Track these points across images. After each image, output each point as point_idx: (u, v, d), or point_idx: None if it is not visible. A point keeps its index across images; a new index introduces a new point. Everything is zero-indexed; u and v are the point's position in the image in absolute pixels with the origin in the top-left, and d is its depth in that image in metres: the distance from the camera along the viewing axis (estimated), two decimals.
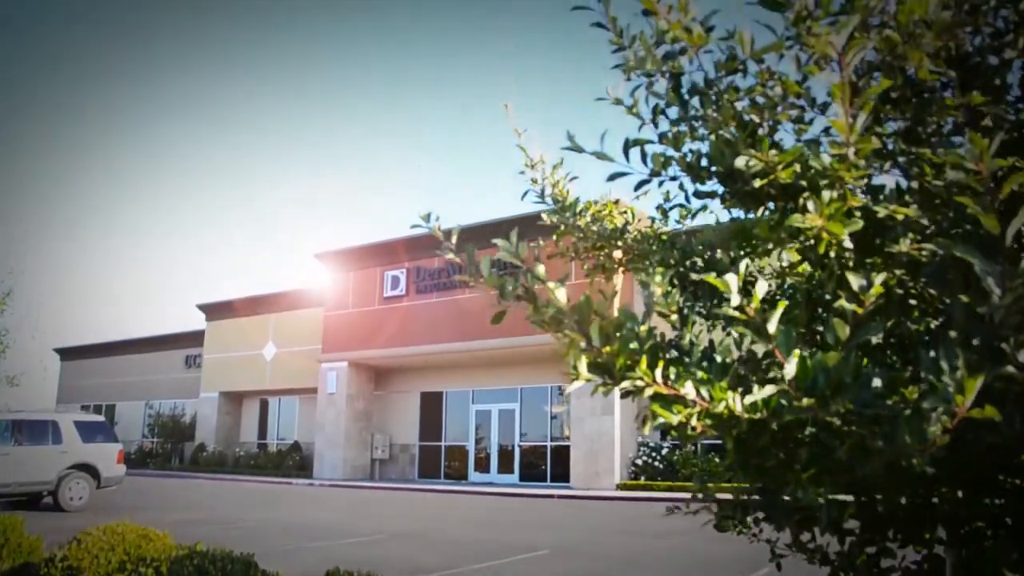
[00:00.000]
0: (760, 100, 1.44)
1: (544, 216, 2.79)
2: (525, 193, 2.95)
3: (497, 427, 23.52)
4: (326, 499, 17.42)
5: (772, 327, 1.16)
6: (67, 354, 40.47)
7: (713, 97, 1.43)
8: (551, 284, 1.59)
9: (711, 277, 1.19)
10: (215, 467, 28.20)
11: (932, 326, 1.64)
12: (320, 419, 25.07)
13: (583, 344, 1.61)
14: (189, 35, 65.47)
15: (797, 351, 1.15)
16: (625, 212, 2.70)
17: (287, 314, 28.55)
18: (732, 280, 1.13)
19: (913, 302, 1.69)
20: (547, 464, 22.13)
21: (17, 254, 38.25)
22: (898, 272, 1.61)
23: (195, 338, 32.85)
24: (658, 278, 1.50)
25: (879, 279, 1.14)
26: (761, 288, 1.15)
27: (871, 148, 1.22)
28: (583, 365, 1.61)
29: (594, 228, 2.61)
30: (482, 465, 23.65)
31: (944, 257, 1.46)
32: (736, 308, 1.15)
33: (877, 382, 1.28)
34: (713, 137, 1.50)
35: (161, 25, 63.34)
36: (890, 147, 1.63)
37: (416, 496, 18.81)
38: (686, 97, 1.47)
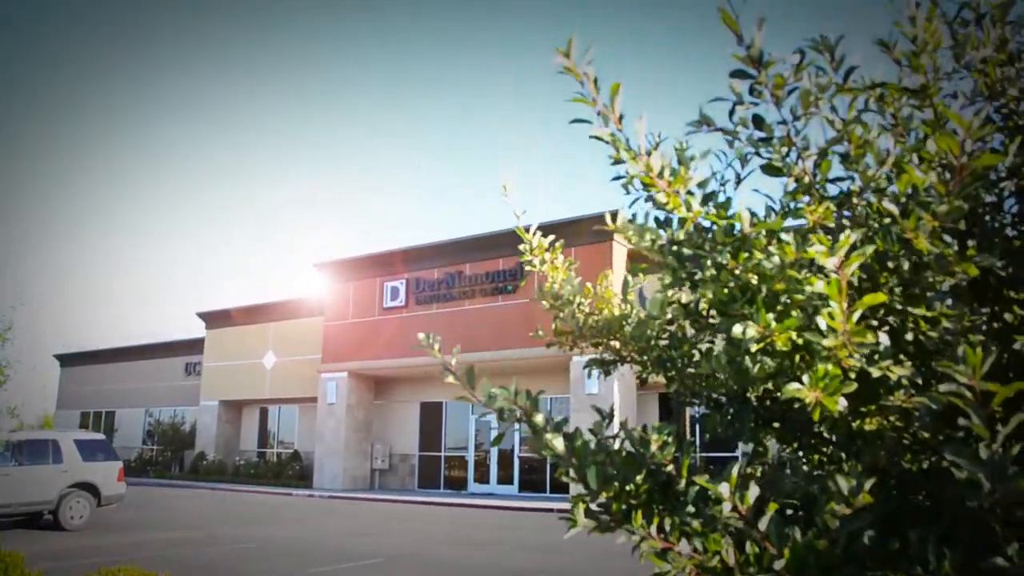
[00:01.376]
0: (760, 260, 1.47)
1: (544, 303, 2.81)
2: (524, 277, 2.97)
3: None
4: (326, 513, 17.44)
5: (763, 525, 1.19)
6: (67, 360, 40.49)
7: (710, 263, 1.45)
8: (549, 435, 1.62)
9: (703, 480, 1.22)
10: (215, 476, 28.21)
11: (925, 466, 1.67)
12: (320, 429, 25.09)
13: (581, 489, 1.64)
14: (189, 35, 65.53)
15: (788, 550, 1.17)
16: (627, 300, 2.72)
17: (287, 323, 28.58)
18: (725, 488, 1.16)
19: (906, 441, 1.72)
20: (546, 475, 22.16)
21: (17, 254, 38.23)
22: (892, 418, 1.64)
23: (195, 345, 32.88)
24: (655, 435, 1.53)
25: (868, 483, 1.17)
26: (753, 492, 1.18)
27: (866, 340, 1.25)
28: (580, 512, 1.64)
29: (594, 319, 2.63)
30: (482, 475, 23.68)
31: (936, 409, 1.49)
32: (731, 509, 1.17)
33: (866, 538, 1.32)
34: (710, 295, 1.52)
35: (161, 25, 63.39)
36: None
37: (416, 510, 18.83)
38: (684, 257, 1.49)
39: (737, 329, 1.42)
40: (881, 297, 1.19)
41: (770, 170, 1.45)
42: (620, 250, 19.67)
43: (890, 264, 1.47)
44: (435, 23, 65.58)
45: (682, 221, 1.42)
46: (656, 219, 1.46)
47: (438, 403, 24.94)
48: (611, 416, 2.00)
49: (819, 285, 1.21)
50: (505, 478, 23.13)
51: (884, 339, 1.59)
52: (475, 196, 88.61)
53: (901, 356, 1.57)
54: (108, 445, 14.31)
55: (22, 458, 12.47)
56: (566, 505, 2.27)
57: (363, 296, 24.68)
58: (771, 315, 1.43)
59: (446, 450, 24.68)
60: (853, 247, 1.26)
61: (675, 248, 1.46)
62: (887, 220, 1.50)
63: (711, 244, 1.43)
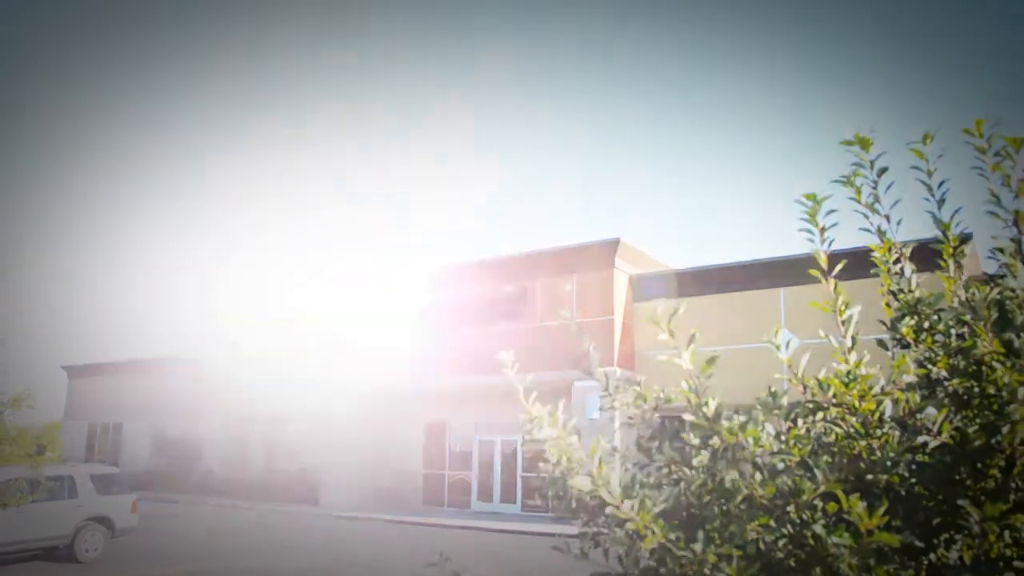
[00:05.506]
0: None
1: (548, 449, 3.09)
2: (525, 444, 3.29)
3: (500, 457, 23.88)
4: (333, 536, 17.78)
5: None
6: (74, 372, 40.86)
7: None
8: None
9: None
10: (223, 491, 28.54)
11: None
12: (326, 447, 25.45)
13: None
14: (209, 48, 66.00)
15: None
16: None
17: None
18: None
19: None
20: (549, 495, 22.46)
21: (21, 268, 38.79)
22: None
23: (202, 360, 33.18)
24: None
25: None
26: None
27: None
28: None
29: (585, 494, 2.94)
30: (485, 494, 24.01)
31: None
32: None
33: None
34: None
35: (176, 35, 63.87)
36: None
37: (420, 532, 19.16)
38: None
39: None
40: None
41: (724, 492, 1.76)
42: (622, 277, 19.98)
43: (819, 568, 1.78)
44: (443, 32, 65.97)
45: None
46: (626, 533, 1.79)
47: (442, 422, 25.27)
48: None
49: None
50: (508, 498, 23.45)
51: None
52: (480, 217, 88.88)
53: None
54: (122, 478, 14.66)
55: (39, 494, 12.80)
56: (569, 530, 2.60)
57: None
58: None
59: (450, 469, 25.01)
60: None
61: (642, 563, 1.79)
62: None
63: (673, 563, 1.75)
